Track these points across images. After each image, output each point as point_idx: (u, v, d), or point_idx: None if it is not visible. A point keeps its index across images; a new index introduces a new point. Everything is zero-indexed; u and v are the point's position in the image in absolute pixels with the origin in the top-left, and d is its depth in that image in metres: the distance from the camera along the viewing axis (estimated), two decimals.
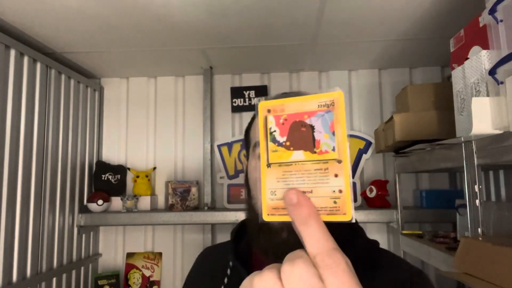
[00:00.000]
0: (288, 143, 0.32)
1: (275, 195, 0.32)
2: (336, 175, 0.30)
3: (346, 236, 0.62)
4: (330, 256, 0.27)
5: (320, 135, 0.31)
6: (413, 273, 0.59)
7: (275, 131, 0.33)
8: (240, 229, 0.70)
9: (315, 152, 0.31)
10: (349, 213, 0.29)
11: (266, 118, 0.33)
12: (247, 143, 0.69)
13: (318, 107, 0.32)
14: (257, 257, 0.64)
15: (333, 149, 0.30)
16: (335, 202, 0.30)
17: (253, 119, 0.69)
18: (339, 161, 0.30)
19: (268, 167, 0.33)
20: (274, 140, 0.33)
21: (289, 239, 0.53)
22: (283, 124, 0.33)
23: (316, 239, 0.27)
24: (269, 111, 0.33)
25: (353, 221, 0.29)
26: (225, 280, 0.63)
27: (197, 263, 0.76)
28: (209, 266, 0.71)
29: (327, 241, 0.28)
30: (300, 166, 0.31)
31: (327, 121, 0.31)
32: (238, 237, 0.68)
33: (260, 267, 0.61)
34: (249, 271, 0.58)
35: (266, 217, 0.32)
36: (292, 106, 0.33)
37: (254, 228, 0.60)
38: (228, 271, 0.63)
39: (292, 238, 0.52)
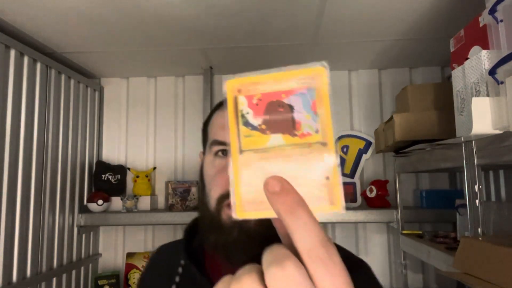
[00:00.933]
0: (264, 126, 0.28)
1: (251, 187, 0.27)
2: (321, 161, 0.26)
3: None
4: (326, 248, 0.23)
5: (301, 115, 0.27)
6: (354, 262, 0.62)
7: (247, 113, 0.28)
8: (193, 226, 0.69)
9: (296, 135, 0.27)
10: (338, 203, 0.26)
11: (236, 99, 0.28)
12: (204, 138, 0.68)
13: (297, 84, 0.28)
14: (210, 255, 0.63)
15: (316, 131, 0.27)
16: (322, 191, 0.26)
17: (212, 113, 0.68)
18: (324, 144, 0.27)
19: (240, 154, 0.28)
20: (246, 124, 0.28)
21: (240, 238, 0.53)
22: (257, 105, 0.28)
23: (308, 230, 0.23)
24: (239, 90, 0.28)
25: (343, 211, 0.25)
26: (177, 278, 0.62)
27: (150, 261, 0.74)
28: (162, 265, 0.70)
29: (320, 231, 0.24)
30: (280, 152, 0.27)
31: (308, 100, 0.27)
32: (191, 235, 0.67)
33: (213, 265, 0.61)
34: (201, 270, 0.58)
35: (241, 214, 0.27)
36: (267, 84, 0.28)
37: (205, 225, 0.59)
38: (180, 270, 0.62)
39: (243, 237, 0.53)
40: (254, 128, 0.28)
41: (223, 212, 0.55)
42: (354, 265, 0.59)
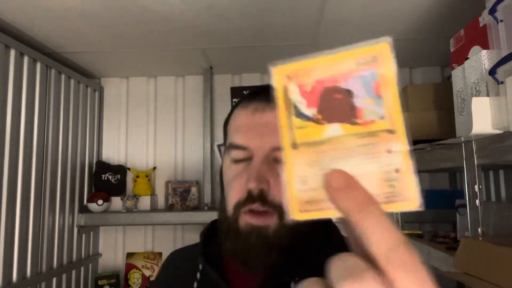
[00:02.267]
0: (319, 116, 0.24)
1: (307, 184, 0.23)
2: (389, 151, 0.23)
3: (324, 226, 0.59)
4: (408, 250, 0.19)
5: (362, 101, 0.24)
6: None
7: (300, 102, 0.25)
8: (210, 230, 0.65)
9: (356, 124, 0.23)
10: (414, 199, 0.22)
11: (285, 88, 0.25)
12: (225, 136, 0.63)
13: (356, 66, 0.24)
14: (229, 259, 0.60)
15: (382, 117, 0.23)
16: (392, 186, 0.22)
17: (232, 111, 0.62)
18: (392, 132, 0.23)
19: (293, 148, 0.24)
20: (299, 114, 0.25)
21: (257, 245, 0.51)
22: (310, 92, 0.25)
23: (384, 230, 0.20)
24: (289, 77, 0.25)
25: (421, 208, 0.22)
26: (195, 284, 0.59)
27: (163, 267, 0.70)
28: (177, 271, 0.66)
29: (398, 231, 0.20)
30: (338, 144, 0.23)
31: (369, 82, 0.24)
32: (208, 238, 0.63)
33: (232, 269, 0.59)
34: (220, 274, 0.55)
35: (297, 215, 0.23)
36: (321, 68, 0.24)
37: (223, 231, 0.57)
38: (198, 275, 0.59)
39: (260, 244, 0.51)
40: (308, 118, 0.24)
41: (241, 218, 0.53)
42: None
